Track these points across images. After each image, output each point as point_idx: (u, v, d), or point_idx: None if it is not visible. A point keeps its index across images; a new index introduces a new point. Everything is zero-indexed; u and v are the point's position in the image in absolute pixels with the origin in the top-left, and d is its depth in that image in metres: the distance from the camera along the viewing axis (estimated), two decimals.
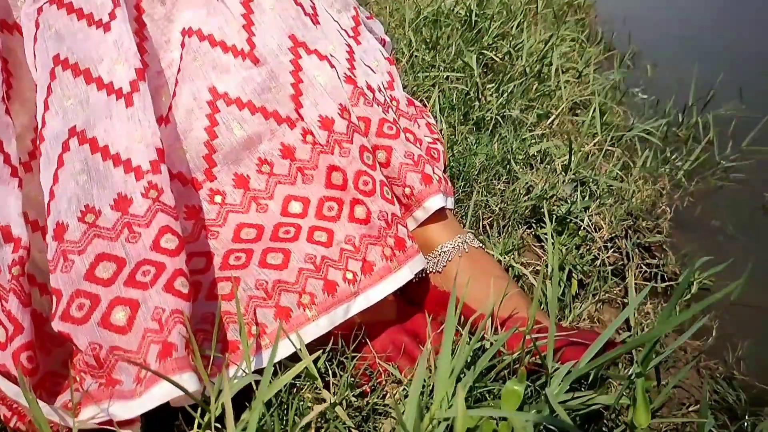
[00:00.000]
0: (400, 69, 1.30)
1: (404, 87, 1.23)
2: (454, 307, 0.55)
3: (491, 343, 0.65)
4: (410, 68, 1.27)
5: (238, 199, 0.69)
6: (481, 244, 0.76)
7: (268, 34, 0.71)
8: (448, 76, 1.24)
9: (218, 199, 0.69)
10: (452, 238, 0.75)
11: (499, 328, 0.69)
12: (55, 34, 0.65)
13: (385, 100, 0.82)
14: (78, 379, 0.54)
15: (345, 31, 0.88)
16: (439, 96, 1.14)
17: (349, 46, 0.82)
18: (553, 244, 0.89)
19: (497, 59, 1.36)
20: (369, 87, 0.80)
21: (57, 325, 0.54)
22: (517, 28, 1.61)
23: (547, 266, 0.90)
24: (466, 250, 0.74)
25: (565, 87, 1.35)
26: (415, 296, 0.75)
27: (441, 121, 1.11)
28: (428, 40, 1.42)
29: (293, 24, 0.72)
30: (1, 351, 0.60)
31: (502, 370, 0.64)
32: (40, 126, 0.63)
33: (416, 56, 1.35)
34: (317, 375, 0.60)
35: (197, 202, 0.68)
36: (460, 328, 0.70)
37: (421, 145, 0.88)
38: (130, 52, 0.64)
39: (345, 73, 0.76)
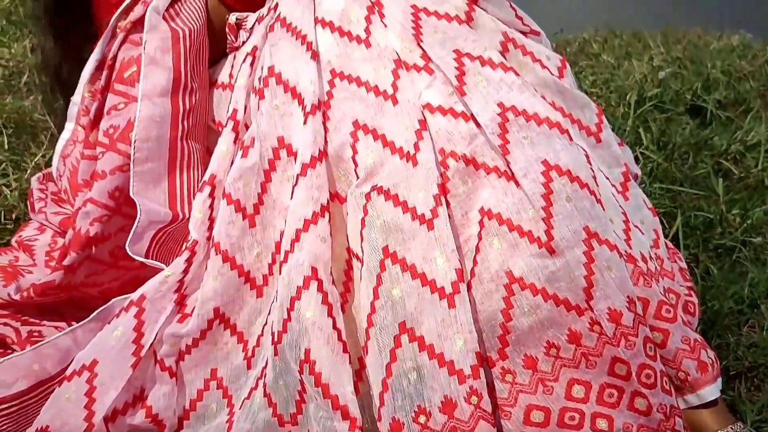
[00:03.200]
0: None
1: None
2: None
3: None
4: (649, 181, 1.27)
5: (526, 379, 0.75)
6: None
7: (564, 226, 0.76)
8: (689, 194, 1.23)
9: (509, 378, 0.75)
10: (724, 427, 0.77)
11: None
12: (383, 224, 0.74)
13: (656, 267, 0.85)
14: None
15: (614, 186, 0.91)
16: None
17: (624, 213, 0.85)
18: None
19: (735, 171, 1.32)
20: (643, 258, 0.83)
21: None
22: (748, 118, 1.55)
23: None
24: None
25: None
26: None
27: (682, 246, 1.12)
28: (658, 138, 1.41)
29: (587, 215, 0.76)
30: None
31: None
32: (369, 311, 0.72)
33: (648, 158, 1.35)
34: None
35: (491, 380, 0.75)
36: None
37: (679, 299, 0.90)
38: (451, 252, 0.72)
39: (625, 251, 0.80)
